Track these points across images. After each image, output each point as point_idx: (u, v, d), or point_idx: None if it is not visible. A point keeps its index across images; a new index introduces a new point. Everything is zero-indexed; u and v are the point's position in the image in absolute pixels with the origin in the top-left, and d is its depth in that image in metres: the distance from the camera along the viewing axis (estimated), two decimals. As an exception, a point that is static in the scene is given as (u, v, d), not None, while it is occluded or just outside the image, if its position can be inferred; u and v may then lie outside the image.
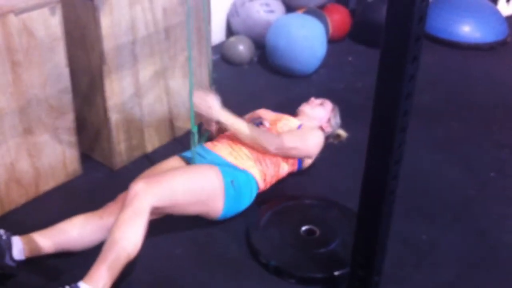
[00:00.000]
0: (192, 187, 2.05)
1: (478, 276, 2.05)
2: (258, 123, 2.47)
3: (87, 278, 1.76)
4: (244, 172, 2.23)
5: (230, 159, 2.26)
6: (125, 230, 1.84)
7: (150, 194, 1.91)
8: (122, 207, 1.90)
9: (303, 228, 2.18)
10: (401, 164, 1.56)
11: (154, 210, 1.94)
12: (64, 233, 1.99)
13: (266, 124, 2.47)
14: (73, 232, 1.99)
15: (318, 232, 2.16)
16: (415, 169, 2.59)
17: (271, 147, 2.27)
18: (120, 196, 2.09)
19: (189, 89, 2.17)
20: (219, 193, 2.11)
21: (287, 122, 2.49)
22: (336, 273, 1.97)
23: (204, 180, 2.09)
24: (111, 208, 2.05)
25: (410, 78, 1.38)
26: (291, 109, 2.68)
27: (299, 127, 2.48)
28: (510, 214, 2.39)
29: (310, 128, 2.47)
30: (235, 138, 2.33)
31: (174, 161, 2.28)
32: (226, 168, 2.18)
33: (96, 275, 1.76)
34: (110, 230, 1.85)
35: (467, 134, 2.99)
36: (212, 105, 2.23)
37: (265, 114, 2.58)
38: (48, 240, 1.96)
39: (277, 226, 2.18)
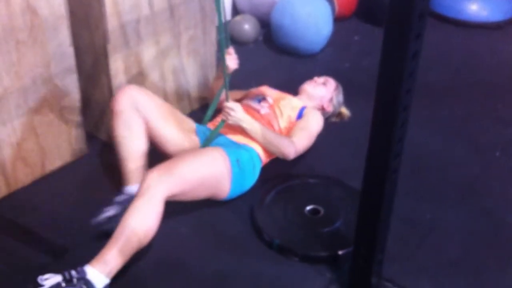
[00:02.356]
0: (202, 173, 2.05)
1: (481, 255, 2.06)
2: (261, 98, 2.50)
3: (94, 261, 1.75)
4: (245, 147, 2.25)
5: (230, 135, 2.30)
6: (137, 216, 1.83)
7: (162, 185, 1.89)
8: (136, 197, 1.88)
9: (307, 207, 2.19)
10: (405, 142, 1.55)
11: (167, 199, 1.94)
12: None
13: (270, 100, 2.48)
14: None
15: (322, 211, 2.17)
16: (419, 148, 2.59)
17: (291, 156, 2.33)
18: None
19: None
20: (226, 175, 2.12)
21: (289, 102, 2.51)
22: (339, 252, 1.98)
23: (212, 164, 2.09)
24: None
25: (414, 55, 1.37)
26: (296, 88, 2.67)
27: (302, 109, 2.49)
28: (515, 193, 2.39)
29: (311, 115, 2.49)
30: None
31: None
32: (229, 147, 2.19)
33: (104, 258, 1.76)
34: (122, 217, 1.84)
35: (473, 112, 2.98)
36: (236, 112, 2.24)
37: (268, 91, 2.58)
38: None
39: (281, 205, 2.19)
